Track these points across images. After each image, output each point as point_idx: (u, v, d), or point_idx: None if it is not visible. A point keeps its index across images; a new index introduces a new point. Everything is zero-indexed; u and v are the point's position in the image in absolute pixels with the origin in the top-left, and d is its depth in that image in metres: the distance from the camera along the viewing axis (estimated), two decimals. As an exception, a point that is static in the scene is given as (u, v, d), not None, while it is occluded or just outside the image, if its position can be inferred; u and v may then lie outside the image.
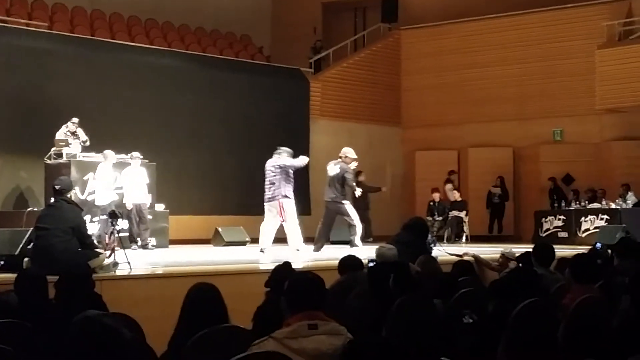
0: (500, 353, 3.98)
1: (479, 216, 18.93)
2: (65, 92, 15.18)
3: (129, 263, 8.50)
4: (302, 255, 11.45)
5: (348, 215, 12.73)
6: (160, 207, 14.53)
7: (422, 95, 20.87)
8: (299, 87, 19.08)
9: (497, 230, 19.26)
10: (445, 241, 16.37)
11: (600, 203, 16.70)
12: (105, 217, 11.52)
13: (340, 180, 12.69)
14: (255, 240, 14.88)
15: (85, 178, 13.18)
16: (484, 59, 20.10)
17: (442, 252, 10.73)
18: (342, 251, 10.30)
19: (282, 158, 11.90)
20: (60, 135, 13.47)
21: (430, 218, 17.43)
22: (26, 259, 8.22)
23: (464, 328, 4.77)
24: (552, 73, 19.33)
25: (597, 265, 6.43)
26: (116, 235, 9.21)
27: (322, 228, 13.07)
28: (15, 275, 5.87)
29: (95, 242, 9.48)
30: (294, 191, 12.04)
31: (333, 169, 12.84)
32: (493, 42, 20.10)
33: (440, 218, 17.89)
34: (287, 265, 6.29)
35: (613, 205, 16.38)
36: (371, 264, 6.29)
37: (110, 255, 8.56)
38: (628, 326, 3.96)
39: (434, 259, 7.49)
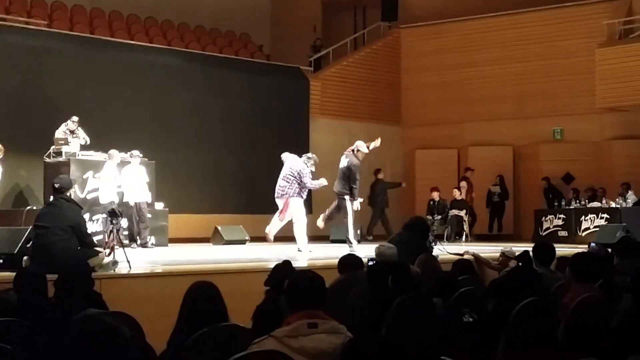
0: (500, 352, 3.97)
1: (479, 215, 18.93)
2: (64, 91, 15.15)
3: (128, 262, 8.49)
4: (302, 255, 11.46)
5: (345, 212, 12.63)
6: (159, 205, 14.51)
7: (422, 94, 20.86)
8: (299, 86, 19.05)
9: (497, 229, 19.26)
10: (445, 240, 16.36)
11: (601, 202, 16.67)
12: (105, 215, 11.50)
13: (347, 172, 12.47)
14: (254, 238, 14.93)
15: (84, 176, 13.15)
16: (484, 57, 20.10)
17: (443, 251, 10.73)
18: (342, 250, 10.31)
19: (305, 169, 12.19)
20: (59, 133, 13.44)
21: (429, 217, 17.42)
22: (25, 258, 8.20)
23: (464, 327, 4.77)
24: (552, 72, 19.32)
25: (597, 264, 6.42)
26: (116, 234, 9.18)
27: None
28: (14, 273, 5.87)
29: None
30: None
31: (343, 161, 12.67)
32: (493, 40, 20.10)
33: (440, 217, 17.89)
34: (287, 263, 6.28)
35: (613, 204, 16.36)
36: (371, 263, 6.29)
37: (109, 254, 8.56)
38: (628, 325, 3.95)
39: (434, 258, 7.47)
